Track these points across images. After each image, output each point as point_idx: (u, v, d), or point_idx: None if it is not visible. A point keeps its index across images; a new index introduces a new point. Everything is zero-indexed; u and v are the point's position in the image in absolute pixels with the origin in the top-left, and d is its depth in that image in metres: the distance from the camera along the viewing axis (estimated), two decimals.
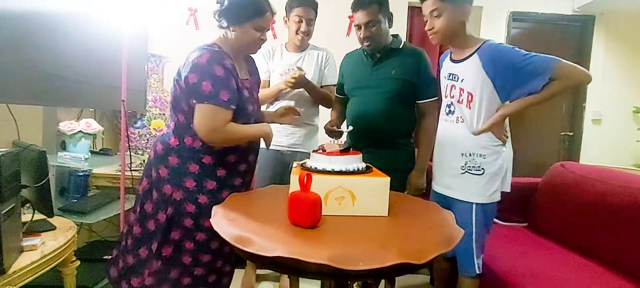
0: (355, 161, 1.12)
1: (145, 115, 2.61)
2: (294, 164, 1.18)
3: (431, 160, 1.56)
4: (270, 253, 0.75)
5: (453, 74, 1.38)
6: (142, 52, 2.37)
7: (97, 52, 1.79)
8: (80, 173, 1.99)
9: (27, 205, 1.32)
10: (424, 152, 1.63)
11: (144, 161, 2.52)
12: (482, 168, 1.30)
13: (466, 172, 1.33)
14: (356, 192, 1.02)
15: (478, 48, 1.31)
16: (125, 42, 1.51)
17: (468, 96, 1.32)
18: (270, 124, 1.36)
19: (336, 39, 2.50)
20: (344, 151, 1.16)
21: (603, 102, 2.97)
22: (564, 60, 1.21)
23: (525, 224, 2.02)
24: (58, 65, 1.59)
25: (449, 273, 1.47)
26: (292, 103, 1.78)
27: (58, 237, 1.29)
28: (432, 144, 1.53)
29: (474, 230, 1.33)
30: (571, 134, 3.07)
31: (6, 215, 1.01)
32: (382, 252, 0.76)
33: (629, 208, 1.43)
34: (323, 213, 0.93)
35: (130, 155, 1.94)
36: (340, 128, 1.67)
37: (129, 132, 2.58)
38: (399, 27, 2.81)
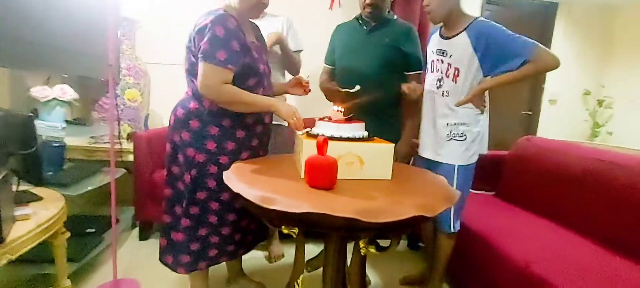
0: (359, 129, 1.19)
1: (118, 83, 2.46)
2: (299, 132, 1.22)
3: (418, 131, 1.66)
4: (298, 209, 0.80)
5: (442, 50, 1.47)
6: (115, 15, 2.20)
7: (67, 15, 1.64)
8: (56, 144, 1.86)
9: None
10: (411, 121, 1.72)
11: (120, 132, 2.40)
12: (465, 135, 1.45)
13: (451, 139, 1.47)
14: (364, 157, 1.09)
15: (468, 26, 1.40)
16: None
17: (455, 71, 1.43)
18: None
19: (318, 12, 2.51)
20: (349, 119, 1.22)
21: (559, 84, 3.27)
22: (541, 45, 1.34)
23: (493, 193, 2.24)
24: (23, 27, 1.44)
25: (434, 234, 1.62)
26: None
27: (49, 207, 1.24)
28: (420, 114, 1.62)
29: None
30: (530, 112, 3.37)
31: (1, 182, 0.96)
32: (399, 207, 0.84)
33: (583, 175, 1.66)
34: None
35: (119, 128, 1.84)
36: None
37: (101, 102, 2.42)
38: None
